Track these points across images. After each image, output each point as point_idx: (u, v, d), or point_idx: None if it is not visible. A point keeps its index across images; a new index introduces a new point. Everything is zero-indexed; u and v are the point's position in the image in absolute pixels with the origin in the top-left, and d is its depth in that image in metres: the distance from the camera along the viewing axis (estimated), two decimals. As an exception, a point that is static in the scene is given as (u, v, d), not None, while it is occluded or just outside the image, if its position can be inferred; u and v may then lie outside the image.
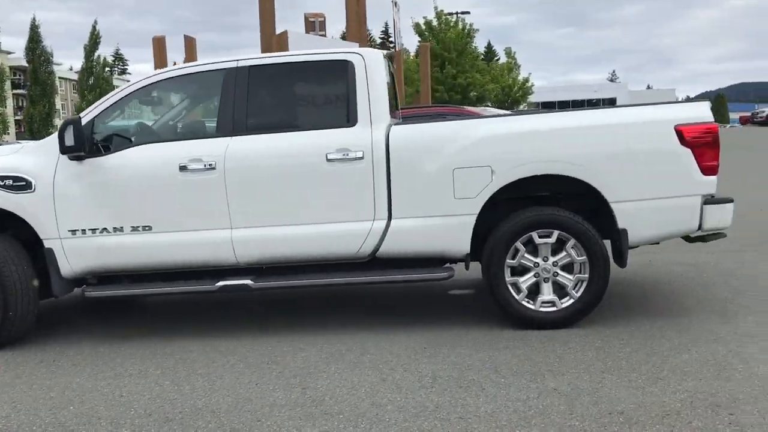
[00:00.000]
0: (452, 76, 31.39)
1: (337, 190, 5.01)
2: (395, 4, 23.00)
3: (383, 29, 76.99)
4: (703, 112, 4.94)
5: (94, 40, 45.70)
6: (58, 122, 47.85)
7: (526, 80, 42.27)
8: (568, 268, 5.00)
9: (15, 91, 67.66)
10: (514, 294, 5.01)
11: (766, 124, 43.16)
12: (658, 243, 5.43)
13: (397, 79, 20.67)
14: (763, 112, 45.75)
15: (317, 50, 5.57)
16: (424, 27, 33.14)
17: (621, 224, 4.92)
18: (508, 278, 5.01)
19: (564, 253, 4.98)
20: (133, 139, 5.33)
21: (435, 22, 32.71)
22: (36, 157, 5.20)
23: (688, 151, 4.86)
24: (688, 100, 6.90)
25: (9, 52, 68.88)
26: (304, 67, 5.27)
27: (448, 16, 32.75)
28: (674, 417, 3.43)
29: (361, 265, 5.17)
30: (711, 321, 4.99)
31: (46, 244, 5.11)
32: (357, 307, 6.06)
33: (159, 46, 15.58)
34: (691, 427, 3.31)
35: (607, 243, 5.12)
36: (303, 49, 9.44)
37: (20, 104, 70.66)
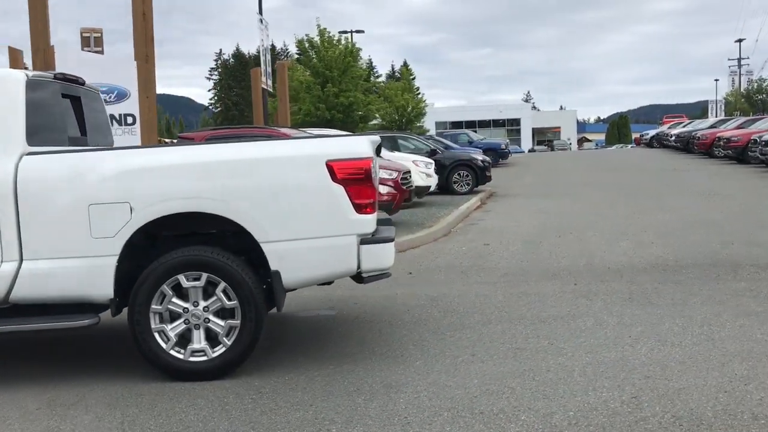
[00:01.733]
0: (334, 95, 31.11)
1: (-44, 228, 4.47)
2: (261, 20, 22.60)
3: (282, 47, 76.24)
4: (357, 148, 4.66)
5: None
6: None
7: (421, 101, 42.53)
8: (222, 313, 4.61)
9: None
10: (161, 343, 4.57)
11: (651, 146, 45.06)
12: (330, 283, 5.12)
13: (256, 98, 20.15)
14: (648, 134, 47.50)
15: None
16: (307, 45, 32.81)
17: (273, 266, 4.57)
18: (154, 326, 4.56)
19: (215, 298, 4.59)
20: None
21: (317, 40, 32.39)
22: None
23: (341, 188, 4.56)
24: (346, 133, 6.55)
25: None
26: None
27: (332, 35, 32.51)
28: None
29: (-2, 312, 4.63)
30: (376, 368, 4.69)
31: None
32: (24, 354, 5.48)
33: (15, 58, 14.61)
34: None
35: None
36: (69, 65, 8.86)
37: None
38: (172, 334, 4.58)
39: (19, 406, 4.27)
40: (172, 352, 4.58)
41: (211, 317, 4.59)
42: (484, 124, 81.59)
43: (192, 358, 4.59)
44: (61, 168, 4.58)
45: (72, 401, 4.31)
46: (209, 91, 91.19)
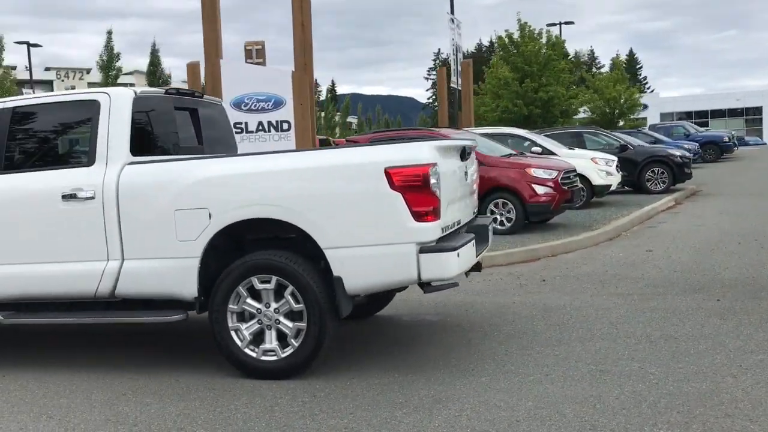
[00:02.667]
0: (533, 90, 30.25)
1: (72, 229, 5.06)
2: (453, 20, 22.67)
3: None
4: (418, 154, 4.51)
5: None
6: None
7: (635, 91, 39.79)
8: (291, 315, 4.75)
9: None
10: (236, 341, 4.81)
11: None
12: (403, 289, 5.01)
13: (441, 98, 20.26)
14: None
15: (70, 91, 5.68)
16: (507, 40, 32.22)
17: (335, 271, 4.59)
18: (231, 324, 4.81)
19: (284, 300, 4.73)
20: None
21: (517, 35, 31.64)
22: None
23: (399, 195, 4.46)
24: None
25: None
26: (55, 108, 5.37)
27: (533, 28, 31.57)
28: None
29: (102, 305, 5.19)
30: (438, 380, 4.52)
31: None
32: (113, 343, 6.02)
33: (193, 72, 16.20)
34: None
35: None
36: (232, 77, 9.64)
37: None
38: (246, 333, 4.79)
39: (110, 391, 4.72)
40: (247, 351, 4.79)
41: (281, 319, 4.73)
42: (717, 114, 74.45)
43: (264, 357, 4.77)
44: (153, 176, 4.99)
45: (152, 390, 4.68)
46: (427, 90, 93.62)
